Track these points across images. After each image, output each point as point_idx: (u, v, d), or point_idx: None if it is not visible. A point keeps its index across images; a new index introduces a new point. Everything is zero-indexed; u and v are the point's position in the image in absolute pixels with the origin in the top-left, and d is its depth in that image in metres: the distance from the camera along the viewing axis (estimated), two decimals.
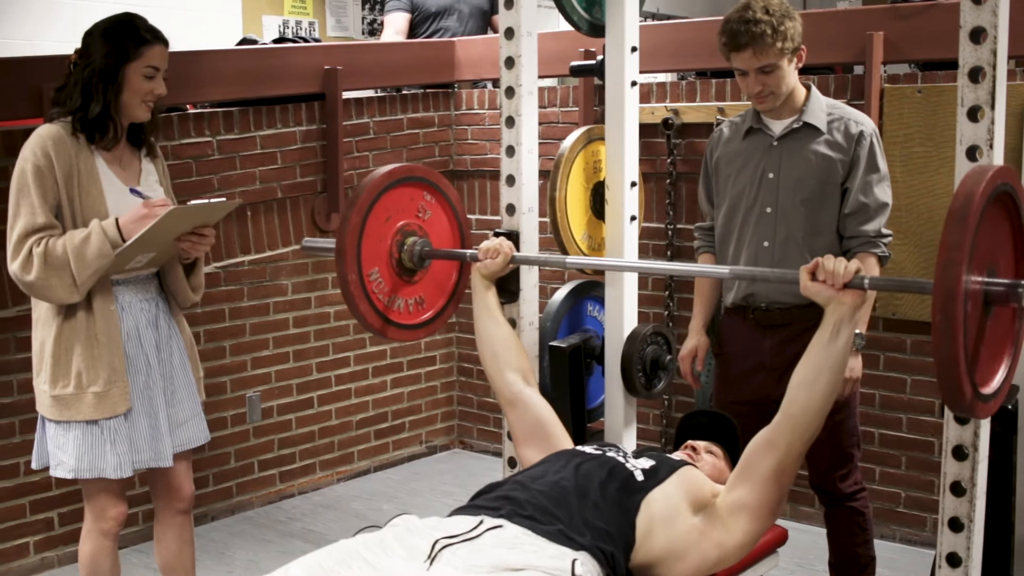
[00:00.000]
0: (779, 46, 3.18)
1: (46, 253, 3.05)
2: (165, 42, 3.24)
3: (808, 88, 3.38)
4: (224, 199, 3.26)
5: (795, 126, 3.34)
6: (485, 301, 3.06)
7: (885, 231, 3.32)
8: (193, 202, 3.22)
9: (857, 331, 3.18)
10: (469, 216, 5.77)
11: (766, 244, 3.35)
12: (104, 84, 3.15)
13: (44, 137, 3.11)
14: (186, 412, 3.37)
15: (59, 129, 3.13)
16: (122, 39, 3.16)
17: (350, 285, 2.87)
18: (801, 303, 3.33)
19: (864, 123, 3.33)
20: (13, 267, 3.10)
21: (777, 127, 3.37)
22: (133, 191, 3.22)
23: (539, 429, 2.89)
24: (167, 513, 3.46)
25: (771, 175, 3.35)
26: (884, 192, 3.31)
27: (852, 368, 3.23)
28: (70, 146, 3.12)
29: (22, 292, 3.85)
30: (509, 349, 3.02)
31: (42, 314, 3.22)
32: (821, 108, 3.35)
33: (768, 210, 3.35)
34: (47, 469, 3.27)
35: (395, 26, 6.14)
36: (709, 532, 2.51)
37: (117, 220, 3.09)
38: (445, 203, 3.15)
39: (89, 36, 3.20)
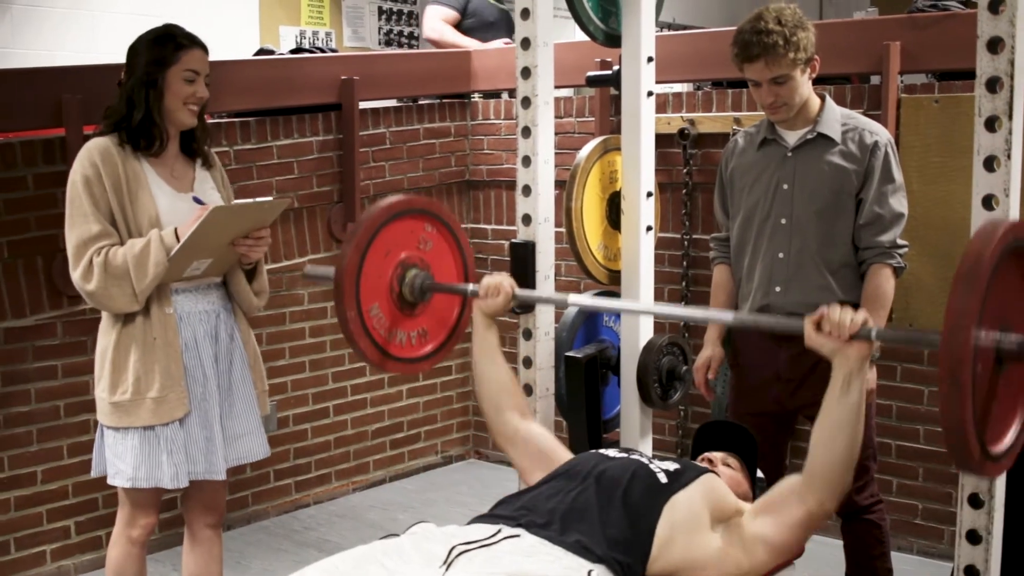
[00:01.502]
0: (791, 56, 3.17)
1: (106, 263, 3.09)
2: (204, 48, 3.28)
3: (823, 98, 3.37)
4: (271, 199, 3.28)
5: (809, 137, 3.33)
6: (485, 340, 3.02)
7: (901, 241, 3.30)
8: (237, 201, 3.24)
9: None
10: (485, 226, 5.79)
11: (781, 255, 3.34)
12: (146, 91, 3.19)
13: (91, 149, 3.17)
14: (243, 426, 3.37)
15: (105, 140, 3.19)
16: (161, 46, 3.21)
17: (349, 323, 2.81)
18: None
19: (879, 133, 3.31)
20: (75, 276, 3.15)
21: (791, 138, 3.36)
22: (196, 199, 3.25)
23: (544, 459, 2.86)
24: (198, 526, 3.47)
25: (785, 186, 3.34)
26: (900, 203, 3.30)
27: (867, 380, 3.19)
28: (116, 156, 3.16)
29: (39, 302, 3.88)
30: (505, 391, 3.00)
31: (103, 322, 3.26)
32: (835, 118, 3.34)
33: (783, 221, 3.34)
34: (104, 477, 3.28)
35: (441, 16, 6.01)
36: (729, 550, 2.50)
37: (176, 229, 3.12)
38: (447, 232, 3.08)
39: (132, 51, 3.26)
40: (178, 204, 3.23)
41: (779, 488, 2.54)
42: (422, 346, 3.07)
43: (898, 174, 3.30)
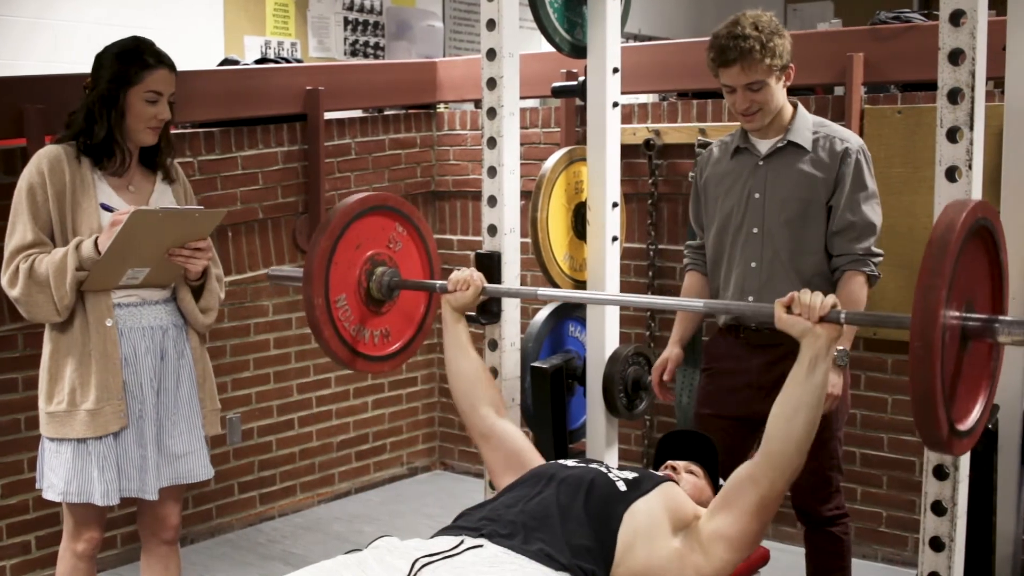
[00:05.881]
0: (767, 63, 3.17)
1: (31, 269, 3.06)
2: (170, 67, 3.24)
3: (795, 106, 3.36)
4: (203, 207, 3.23)
5: (780, 145, 3.32)
6: (455, 334, 3.04)
7: (876, 250, 3.28)
8: (163, 206, 3.20)
9: (841, 347, 3.17)
10: (450, 237, 5.79)
11: (753, 265, 3.34)
12: (107, 109, 3.16)
13: (40, 157, 3.14)
14: (186, 445, 3.31)
15: (58, 149, 3.15)
16: (125, 64, 3.17)
17: (316, 310, 2.81)
18: None
19: (850, 140, 3.31)
20: (3, 282, 3.13)
21: (763, 146, 3.36)
22: (103, 206, 3.19)
23: (515, 459, 2.88)
24: (152, 542, 3.42)
25: (757, 195, 3.34)
26: (873, 210, 3.29)
27: (833, 384, 3.20)
28: (66, 164, 3.12)
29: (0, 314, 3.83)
30: (480, 383, 3.01)
31: (45, 332, 3.22)
32: (807, 126, 3.34)
33: (755, 230, 3.34)
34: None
35: None
36: (689, 555, 2.50)
37: (97, 238, 3.08)
38: (416, 236, 3.11)
39: (97, 61, 3.22)
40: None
41: (730, 481, 2.55)
42: (387, 345, 3.09)
43: (871, 182, 3.29)
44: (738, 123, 3.41)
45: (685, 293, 3.58)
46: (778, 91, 3.26)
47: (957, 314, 2.01)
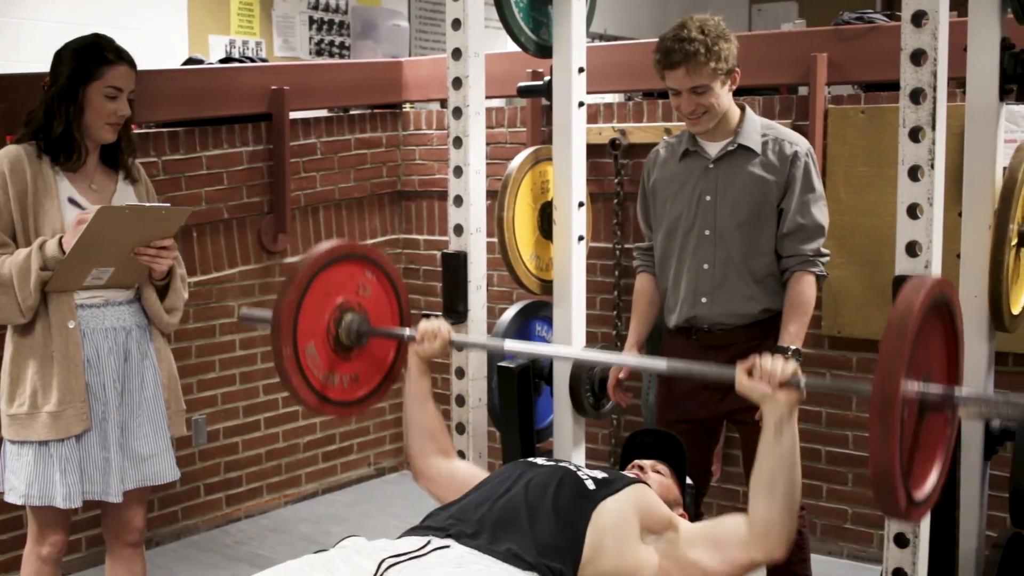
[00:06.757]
0: (712, 66, 3.19)
1: None
2: (130, 63, 3.22)
3: (743, 109, 3.38)
4: (168, 205, 3.21)
5: (730, 148, 3.34)
6: (420, 386, 3.00)
7: (823, 250, 3.32)
8: (128, 204, 3.17)
9: (794, 347, 3.20)
10: (416, 236, 5.78)
11: (706, 267, 3.35)
12: (66, 105, 3.14)
13: (1, 157, 3.11)
14: (151, 447, 3.29)
15: (19, 149, 3.13)
16: (85, 59, 3.15)
17: (284, 360, 2.77)
18: (743, 324, 3.35)
19: (798, 143, 3.34)
20: None
21: (712, 149, 3.37)
22: (71, 200, 3.17)
23: (464, 488, 2.81)
24: (117, 545, 3.39)
25: (708, 198, 3.35)
26: (821, 212, 3.32)
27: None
28: (27, 164, 3.10)
29: None
30: (433, 437, 2.96)
31: (7, 334, 3.19)
32: (755, 129, 3.35)
33: (707, 232, 3.35)
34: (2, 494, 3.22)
35: None
36: (665, 566, 2.50)
37: (61, 238, 3.06)
38: (386, 281, 3.05)
39: (57, 57, 3.20)
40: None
41: (726, 527, 2.51)
42: (356, 390, 3.02)
43: (818, 184, 3.33)
44: None
45: (638, 295, 3.57)
46: (723, 95, 3.27)
47: (916, 389, 2.03)
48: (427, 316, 3.02)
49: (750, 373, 2.41)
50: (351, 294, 2.97)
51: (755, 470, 2.45)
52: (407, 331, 3.01)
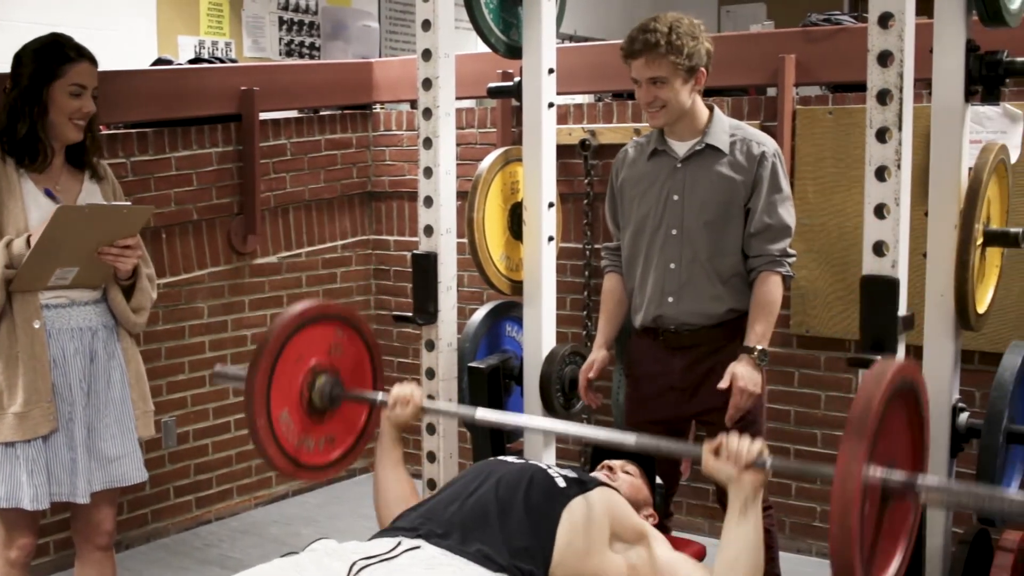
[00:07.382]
0: (672, 59, 3.19)
1: None
2: (92, 60, 3.21)
3: (711, 109, 3.39)
4: (129, 203, 3.19)
5: (698, 148, 3.34)
6: (391, 454, 2.95)
7: (790, 251, 3.33)
8: (89, 202, 3.16)
9: (760, 347, 3.21)
10: (387, 237, 5.78)
11: (672, 266, 3.36)
12: (29, 105, 3.13)
13: None
14: (119, 448, 3.27)
15: None
16: (46, 59, 3.14)
17: (259, 431, 2.73)
18: (709, 324, 3.36)
19: (766, 144, 3.35)
20: None
21: (681, 149, 3.38)
22: (47, 192, 3.15)
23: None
24: (86, 548, 3.37)
25: (676, 197, 3.36)
26: (788, 212, 3.33)
27: (755, 382, 3.23)
28: None
29: None
30: (403, 502, 2.85)
31: None
32: (723, 129, 3.36)
33: (674, 232, 3.36)
34: None
35: None
36: (631, 573, 2.51)
37: (29, 236, 3.04)
38: (357, 338, 3.00)
39: (16, 59, 3.19)
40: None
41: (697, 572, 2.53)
42: (330, 452, 2.98)
43: (786, 184, 3.34)
44: None
45: (606, 295, 3.57)
46: (683, 92, 3.26)
47: (879, 476, 2.03)
48: (400, 380, 2.96)
49: (716, 452, 2.39)
50: (323, 356, 2.90)
51: (720, 548, 2.45)
52: (379, 395, 2.95)
